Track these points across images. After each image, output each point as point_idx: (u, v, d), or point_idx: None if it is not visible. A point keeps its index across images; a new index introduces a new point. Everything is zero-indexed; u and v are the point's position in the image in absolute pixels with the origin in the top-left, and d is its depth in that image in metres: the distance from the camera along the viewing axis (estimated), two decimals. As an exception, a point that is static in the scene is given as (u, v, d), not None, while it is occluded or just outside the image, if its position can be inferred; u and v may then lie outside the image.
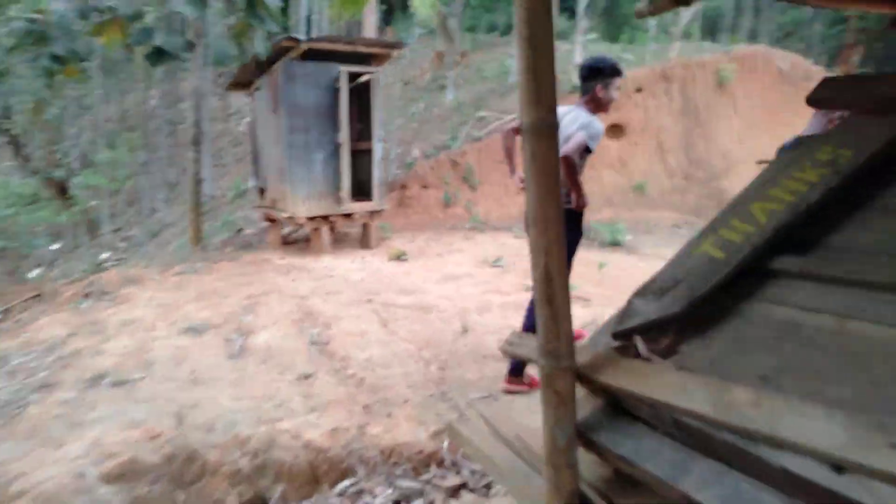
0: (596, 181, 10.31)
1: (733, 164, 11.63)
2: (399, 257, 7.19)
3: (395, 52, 8.12)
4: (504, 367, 3.70)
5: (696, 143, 11.17)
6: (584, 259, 7.26)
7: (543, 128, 1.31)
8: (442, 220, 9.75)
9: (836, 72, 14.18)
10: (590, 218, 9.62)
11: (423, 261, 7.14)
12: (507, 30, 23.20)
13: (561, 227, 1.36)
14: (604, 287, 6.01)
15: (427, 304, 5.13)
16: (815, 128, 3.23)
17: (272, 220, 8.19)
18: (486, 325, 4.58)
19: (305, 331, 4.39)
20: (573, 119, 3.33)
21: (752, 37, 23.92)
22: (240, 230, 9.54)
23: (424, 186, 10.13)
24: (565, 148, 3.22)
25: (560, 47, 15.78)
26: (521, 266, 6.86)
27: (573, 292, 1.61)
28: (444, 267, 6.78)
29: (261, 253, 7.71)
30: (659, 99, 11.09)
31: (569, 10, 20.97)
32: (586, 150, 3.27)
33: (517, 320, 4.69)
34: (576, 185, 3.25)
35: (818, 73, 13.50)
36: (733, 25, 26.85)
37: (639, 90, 11.00)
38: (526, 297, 5.42)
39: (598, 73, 3.30)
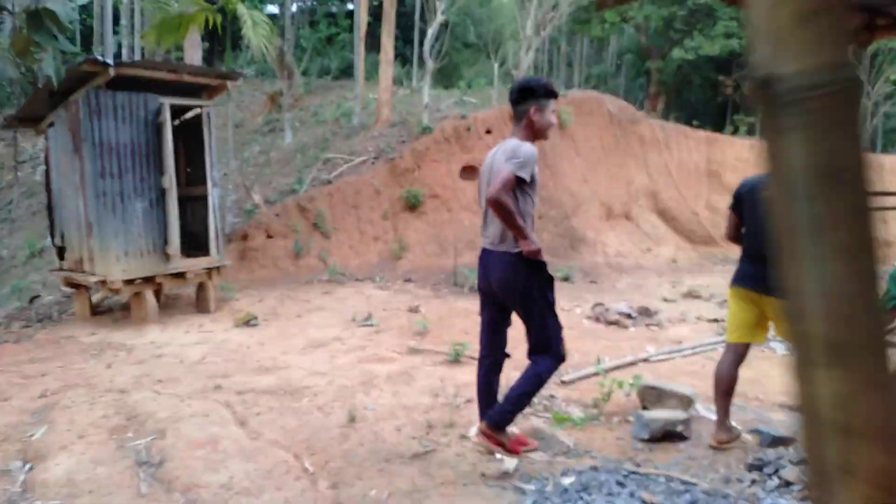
0: (456, 224, 9.89)
1: (580, 203, 11.92)
2: (248, 322, 5.97)
3: (229, 84, 7.00)
4: (417, 468, 2.80)
5: (546, 182, 11.28)
6: (465, 310, 6.63)
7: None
8: (294, 274, 8.61)
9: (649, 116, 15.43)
10: (457, 262, 9.10)
11: (279, 325, 6.00)
12: (340, 73, 22.63)
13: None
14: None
15: (295, 386, 4.07)
16: None
17: (76, 286, 6.51)
18: (378, 408, 3.66)
19: (128, 446, 3.13)
20: (503, 152, 2.79)
21: (568, 87, 25.92)
22: (34, 298, 7.59)
23: (270, 236, 8.93)
24: (490, 190, 2.65)
25: (399, 92, 15.50)
26: (396, 323, 6.00)
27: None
28: (305, 331, 5.71)
29: (62, 328, 6.04)
30: (509, 140, 11.14)
31: (401, 55, 20.95)
32: (525, 182, 2.69)
33: (414, 397, 3.83)
34: (517, 230, 2.65)
35: (642, 116, 14.57)
36: (553, 76, 28.88)
37: (489, 132, 10.89)
38: (413, 363, 4.59)
39: (530, 94, 2.83)
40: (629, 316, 6.61)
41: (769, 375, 4.46)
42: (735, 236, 3.32)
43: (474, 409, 3.26)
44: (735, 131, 19.01)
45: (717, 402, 3.20)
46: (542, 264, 2.79)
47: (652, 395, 3.64)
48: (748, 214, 3.16)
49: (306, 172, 10.45)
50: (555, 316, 2.87)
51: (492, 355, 3.09)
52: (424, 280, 8.58)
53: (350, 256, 9.26)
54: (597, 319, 6.59)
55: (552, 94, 2.87)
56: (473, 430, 3.11)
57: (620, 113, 13.67)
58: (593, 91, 13.90)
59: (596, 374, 4.40)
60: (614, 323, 6.39)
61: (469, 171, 10.35)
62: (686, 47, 19.84)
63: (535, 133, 2.86)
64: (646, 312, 6.84)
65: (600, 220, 12.46)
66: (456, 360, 4.65)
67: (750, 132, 19.56)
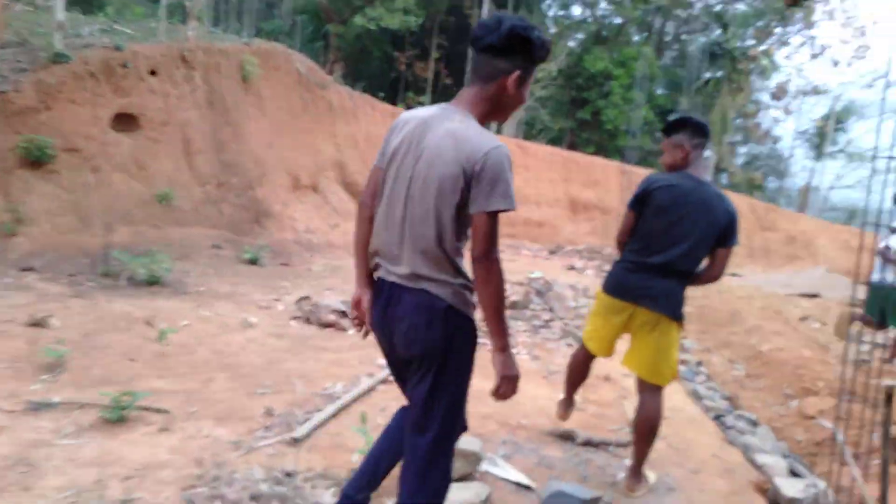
0: (105, 189, 7.40)
1: (267, 172, 10.38)
2: None
3: None
4: None
5: (227, 143, 9.43)
6: (125, 316, 4.69)
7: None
8: None
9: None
10: (102, 241, 6.77)
11: None
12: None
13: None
14: (174, 377, 3.76)
15: None
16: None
17: None
18: None
19: None
20: (454, 142, 1.70)
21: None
22: None
23: None
24: (476, 246, 1.69)
25: (16, 6, 11.42)
26: (2, 349, 3.83)
27: None
28: None
29: None
30: (180, 87, 8.83)
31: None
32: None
33: None
34: (499, 323, 1.76)
35: (330, 81, 13.58)
36: (225, 28, 25.89)
37: (153, 73, 8.50)
38: (36, 435, 2.74)
39: (523, 50, 1.75)
40: (344, 313, 5.60)
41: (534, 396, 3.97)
42: (626, 240, 2.87)
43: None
44: (408, 108, 19.58)
45: (567, 387, 3.24)
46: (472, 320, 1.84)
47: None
48: (651, 216, 2.73)
49: None
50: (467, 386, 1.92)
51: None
52: (55, 268, 6.12)
53: (-78, 233, 6.13)
54: (307, 320, 5.41)
55: (543, 61, 1.84)
56: None
57: (310, 74, 12.45)
58: (280, 45, 12.30)
59: (334, 415, 3.28)
60: (330, 325, 5.30)
61: (126, 121, 7.92)
62: (368, 15, 19.52)
63: (495, 110, 1.83)
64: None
65: (287, 191, 11.13)
66: (121, 419, 2.97)
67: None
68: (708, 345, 6.17)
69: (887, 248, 5.79)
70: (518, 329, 6.07)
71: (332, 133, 13.02)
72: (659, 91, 27.91)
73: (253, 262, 8.06)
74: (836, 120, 27.60)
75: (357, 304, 1.99)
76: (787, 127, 30.22)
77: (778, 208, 18.87)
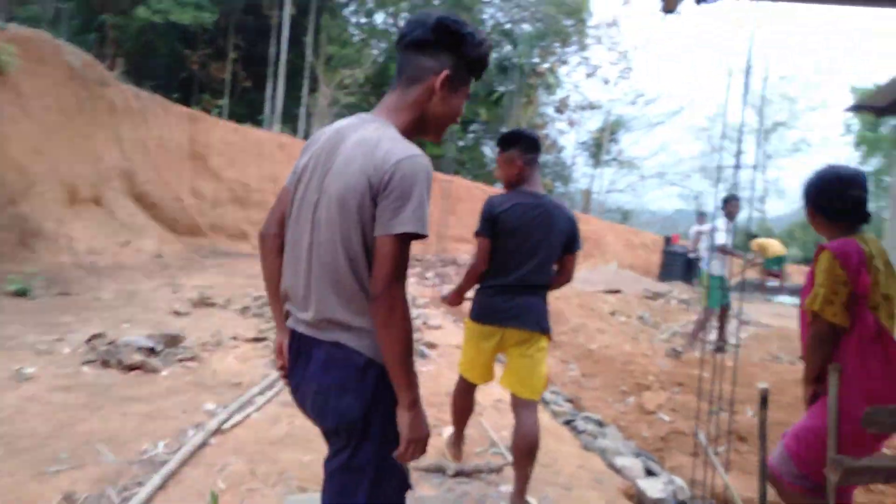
0: None
1: (34, 183, 8.62)
2: None
3: None
4: None
5: (-25, 150, 7.66)
6: None
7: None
8: None
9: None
10: None
11: None
12: None
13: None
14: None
15: None
16: None
17: None
18: None
19: None
20: (365, 150, 1.41)
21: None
22: None
23: None
24: (377, 278, 1.36)
25: None
26: None
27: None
28: None
29: None
30: None
31: None
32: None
33: None
34: (405, 368, 1.40)
35: (112, 78, 11.84)
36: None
37: None
38: None
39: (457, 44, 1.50)
40: (153, 350, 4.73)
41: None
42: (487, 267, 2.83)
43: None
44: (205, 111, 17.98)
45: (455, 424, 3.15)
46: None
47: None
48: (502, 240, 2.74)
49: None
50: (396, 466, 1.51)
51: None
52: None
53: None
54: (104, 364, 4.45)
55: (481, 64, 1.56)
56: None
57: (86, 70, 10.71)
58: (45, 32, 10.39)
59: (162, 486, 2.63)
60: (136, 367, 4.41)
61: None
62: (153, 8, 17.54)
63: (421, 121, 1.53)
64: (172, 341, 5.06)
65: (62, 205, 9.41)
66: None
67: (221, 114, 18.92)
68: (540, 347, 6.36)
69: (725, 245, 6.41)
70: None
71: (116, 137, 11.36)
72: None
73: (21, 293, 6.60)
74: (610, 132, 31.32)
75: (279, 351, 1.64)
76: (569, 138, 33.56)
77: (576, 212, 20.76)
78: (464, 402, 3.13)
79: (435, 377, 5.03)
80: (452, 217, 17.10)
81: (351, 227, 1.39)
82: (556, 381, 5.30)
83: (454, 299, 3.05)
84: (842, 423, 2.06)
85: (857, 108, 14.08)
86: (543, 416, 4.39)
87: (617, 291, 9.42)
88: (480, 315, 2.84)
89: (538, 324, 2.80)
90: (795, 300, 11.84)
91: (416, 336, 6.26)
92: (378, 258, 1.36)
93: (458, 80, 1.51)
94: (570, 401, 4.88)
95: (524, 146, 2.83)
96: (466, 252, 15.60)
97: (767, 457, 2.38)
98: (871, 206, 2.30)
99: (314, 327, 1.45)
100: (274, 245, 1.61)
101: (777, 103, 32.75)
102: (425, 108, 1.50)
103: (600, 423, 4.37)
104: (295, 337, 1.53)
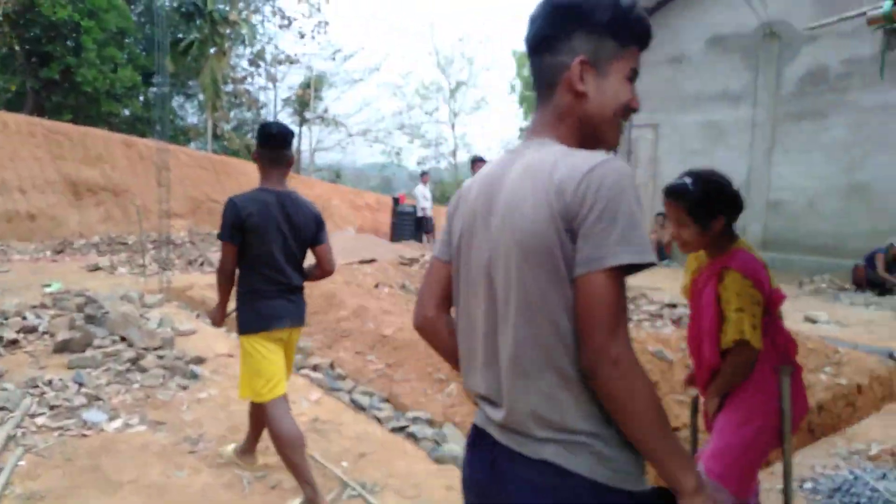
0: None
1: None
2: None
3: None
4: None
5: None
6: None
7: None
8: None
9: None
10: None
11: None
12: None
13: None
14: None
15: None
16: None
17: None
18: None
19: None
20: (527, 171, 1.09)
21: None
22: None
23: None
24: (598, 339, 0.95)
25: None
26: None
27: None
28: None
29: None
30: None
31: None
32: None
33: None
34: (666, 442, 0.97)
35: None
36: None
37: None
38: None
39: (581, 18, 1.12)
40: None
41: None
42: (234, 270, 2.80)
43: None
44: None
45: (298, 469, 2.77)
46: None
47: None
48: (256, 242, 2.70)
49: None
50: None
51: None
52: None
53: None
54: None
55: (625, 22, 1.09)
56: None
57: None
58: None
59: None
60: None
61: None
62: None
63: (589, 127, 1.12)
64: None
65: None
66: None
67: None
68: (323, 339, 5.74)
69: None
70: (98, 384, 4.32)
71: None
72: (141, 50, 25.19)
73: None
74: (315, 88, 30.52)
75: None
76: (271, 94, 31.81)
77: (294, 174, 19.71)
78: (292, 426, 2.83)
79: (225, 405, 4.10)
80: (161, 189, 14.70)
81: (545, 282, 1.01)
82: (362, 378, 4.81)
83: (220, 315, 2.96)
84: (768, 432, 2.06)
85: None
86: (373, 428, 3.90)
87: (372, 261, 9.16)
88: (266, 321, 2.76)
89: (304, 317, 3.01)
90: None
91: (174, 352, 5.07)
92: (586, 306, 0.96)
93: (603, 57, 1.10)
94: (387, 400, 4.46)
95: (260, 139, 2.84)
96: (183, 230, 13.65)
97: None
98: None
99: (509, 434, 1.06)
100: (439, 327, 1.28)
101: (458, 62, 35.84)
102: (578, 111, 1.12)
103: (430, 423, 4.07)
104: (485, 440, 1.11)
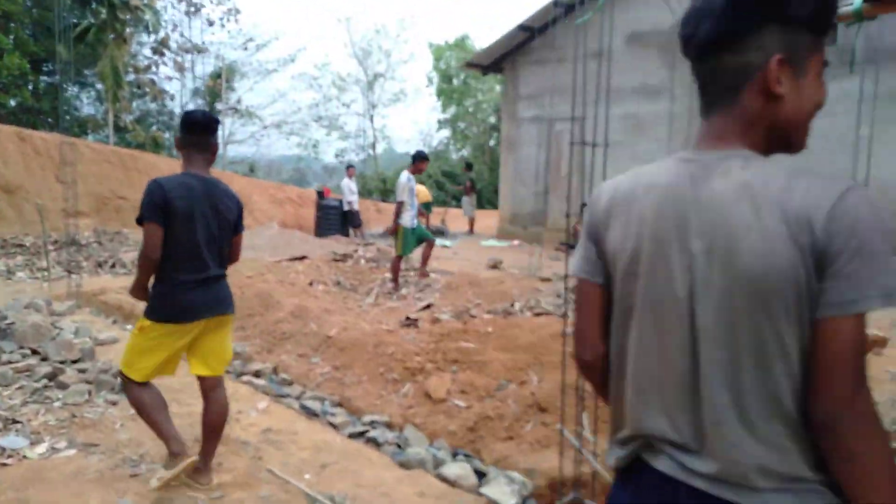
0: None
1: None
2: None
3: None
4: None
5: None
6: None
7: None
8: None
9: None
10: None
11: None
12: None
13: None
14: None
15: None
16: None
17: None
18: None
19: None
20: (747, 195, 0.93)
21: None
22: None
23: None
24: (838, 387, 0.86)
25: None
26: None
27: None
28: None
29: None
30: None
31: None
32: None
33: None
34: None
35: None
36: None
37: None
38: None
39: (776, 7, 0.95)
40: None
41: None
42: (159, 256, 2.67)
43: None
44: None
45: (158, 426, 2.83)
46: None
47: None
48: (180, 226, 2.64)
49: None
50: None
51: None
52: None
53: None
54: None
55: (825, 11, 0.97)
56: None
57: None
58: None
59: None
60: None
61: None
62: None
63: (780, 133, 1.01)
64: None
65: None
66: None
67: None
68: (262, 343, 5.43)
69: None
70: (12, 404, 3.86)
71: None
72: (29, 35, 23.09)
73: None
74: (226, 79, 29.13)
75: None
76: (179, 85, 30.12)
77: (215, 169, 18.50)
78: (153, 397, 2.85)
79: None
80: (65, 186, 13.53)
81: (780, 323, 0.89)
82: (309, 383, 4.59)
83: (140, 294, 2.83)
84: None
85: (470, 65, 16.10)
86: (331, 436, 3.71)
87: (303, 258, 8.82)
88: (179, 314, 2.71)
89: (230, 305, 2.93)
90: (449, 242, 13.12)
91: (97, 364, 4.63)
92: (831, 353, 0.87)
93: (800, 54, 0.97)
94: (339, 404, 4.27)
95: (184, 126, 2.80)
96: (89, 229, 12.64)
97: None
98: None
99: (723, 483, 0.93)
100: (590, 360, 1.15)
101: (375, 55, 35.31)
102: (771, 115, 0.98)
103: (389, 426, 3.92)
104: (677, 491, 0.97)
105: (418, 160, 7.75)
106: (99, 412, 3.83)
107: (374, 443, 3.66)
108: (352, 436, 3.76)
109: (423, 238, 7.87)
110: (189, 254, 2.69)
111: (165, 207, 2.60)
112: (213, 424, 2.88)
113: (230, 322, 2.97)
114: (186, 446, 2.88)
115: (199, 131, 2.79)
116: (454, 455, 3.50)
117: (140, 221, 2.64)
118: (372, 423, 3.90)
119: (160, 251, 2.65)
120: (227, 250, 2.92)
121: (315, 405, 4.16)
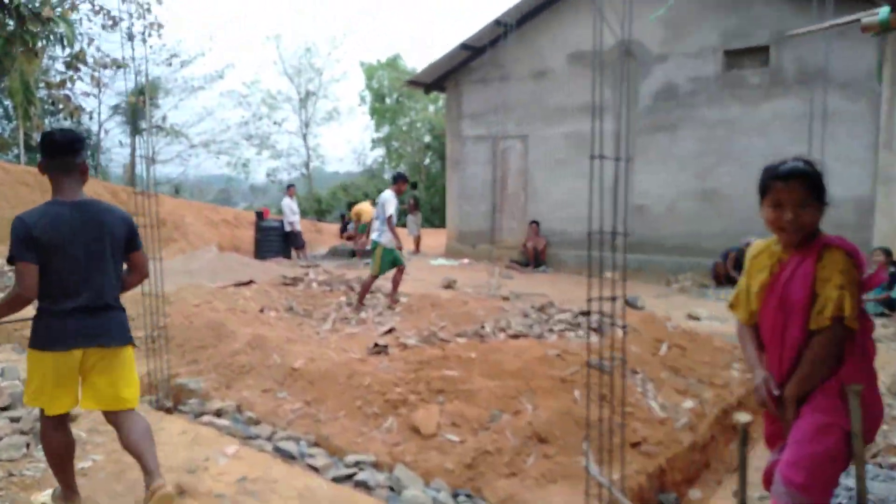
0: None
1: None
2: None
3: None
4: None
5: None
6: None
7: None
8: None
9: None
10: None
11: None
12: None
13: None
14: None
15: None
16: None
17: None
18: None
19: None
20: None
21: None
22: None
23: None
24: None
25: None
26: None
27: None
28: None
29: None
30: None
31: None
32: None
33: None
34: None
35: None
36: None
37: None
38: None
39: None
40: None
41: None
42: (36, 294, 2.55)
43: None
44: None
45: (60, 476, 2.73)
46: None
47: None
48: (52, 259, 2.53)
49: None
50: None
51: None
52: None
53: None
54: None
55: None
56: None
57: None
58: None
59: None
60: None
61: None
62: None
63: None
64: None
65: None
66: None
67: None
68: (218, 378, 4.96)
69: (391, 217, 7.52)
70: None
71: None
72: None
73: None
74: (151, 96, 27.73)
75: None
76: (97, 101, 28.45)
77: (135, 191, 17.36)
78: (62, 438, 2.72)
79: (119, 473, 3.31)
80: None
81: None
82: (279, 421, 4.20)
83: None
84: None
85: (411, 84, 15.98)
86: (312, 481, 3.35)
87: (250, 282, 8.30)
88: (50, 342, 2.57)
89: (127, 338, 2.79)
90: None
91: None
92: None
93: None
94: (316, 444, 3.91)
95: (43, 149, 2.65)
96: (1, 256, 11.52)
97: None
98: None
99: None
100: None
101: (306, 73, 34.63)
102: None
103: (377, 466, 3.60)
104: None
105: (399, 180, 7.84)
106: (41, 468, 3.32)
107: (364, 486, 3.34)
108: (336, 479, 3.42)
109: (396, 262, 7.74)
110: (62, 283, 2.59)
111: (32, 242, 2.50)
112: (136, 443, 2.70)
113: (121, 356, 2.76)
114: (80, 499, 2.81)
115: (60, 153, 2.64)
116: (455, 496, 3.24)
117: (10, 261, 2.55)
118: (357, 464, 3.58)
119: (37, 290, 2.54)
120: (120, 273, 2.81)
121: (290, 446, 3.79)
